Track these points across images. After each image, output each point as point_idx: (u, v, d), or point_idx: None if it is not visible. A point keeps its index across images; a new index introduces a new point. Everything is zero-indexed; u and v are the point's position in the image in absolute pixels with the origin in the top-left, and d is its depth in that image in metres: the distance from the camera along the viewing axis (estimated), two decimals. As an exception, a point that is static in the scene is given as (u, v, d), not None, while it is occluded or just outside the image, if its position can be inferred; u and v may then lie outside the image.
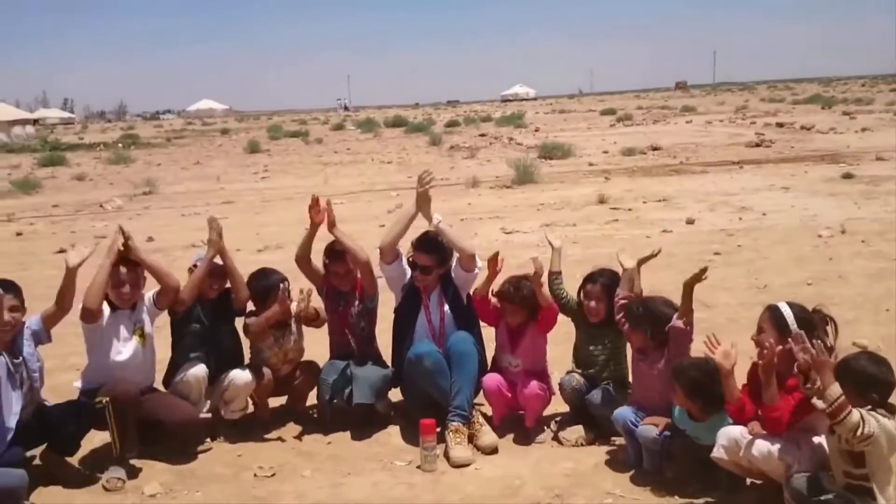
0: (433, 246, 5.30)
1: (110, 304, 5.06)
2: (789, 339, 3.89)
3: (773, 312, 4.16)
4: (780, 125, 34.40)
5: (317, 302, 5.59)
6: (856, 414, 3.51)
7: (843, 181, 16.81)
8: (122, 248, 5.02)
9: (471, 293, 5.41)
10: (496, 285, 5.35)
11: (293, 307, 5.39)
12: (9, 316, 4.55)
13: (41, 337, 4.88)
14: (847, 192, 15.28)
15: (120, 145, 42.25)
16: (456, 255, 5.40)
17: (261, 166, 27.73)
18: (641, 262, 5.19)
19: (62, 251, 12.68)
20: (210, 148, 40.92)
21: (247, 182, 23.00)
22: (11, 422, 4.55)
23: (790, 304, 4.22)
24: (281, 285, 5.33)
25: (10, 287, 4.67)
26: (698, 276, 4.66)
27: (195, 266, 5.38)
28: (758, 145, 25.76)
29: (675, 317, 4.71)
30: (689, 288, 4.69)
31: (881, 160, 20.08)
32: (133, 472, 4.80)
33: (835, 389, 3.54)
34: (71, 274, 4.78)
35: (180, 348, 5.36)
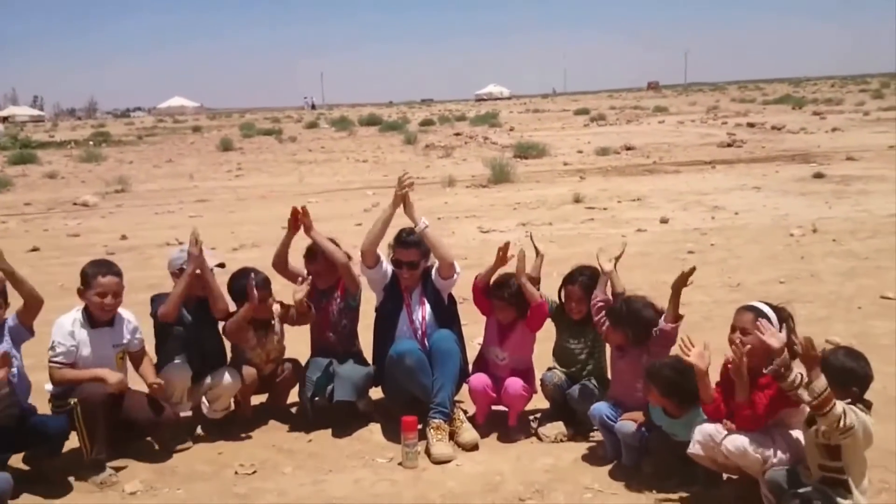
0: (415, 241, 5.32)
1: (90, 319, 4.93)
2: (759, 325, 3.93)
3: (756, 314, 4.16)
4: (751, 125, 34.78)
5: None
6: (839, 406, 3.58)
7: (814, 181, 17.06)
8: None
9: (474, 282, 5.42)
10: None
11: (298, 294, 5.38)
12: None
13: (21, 333, 4.78)
14: (818, 192, 15.50)
15: (91, 143, 41.70)
16: (435, 261, 5.42)
17: (234, 164, 27.57)
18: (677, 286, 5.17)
19: (35, 249, 12.61)
20: (182, 146, 40.58)
21: (220, 180, 22.87)
22: None
23: (764, 304, 4.29)
24: (251, 275, 5.30)
25: None
26: (686, 277, 4.71)
27: (179, 270, 5.30)
28: (729, 145, 26.05)
29: (662, 319, 4.76)
30: (677, 289, 4.75)
31: (851, 160, 20.38)
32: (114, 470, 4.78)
33: (821, 382, 3.60)
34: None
35: (164, 351, 5.31)
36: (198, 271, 5.20)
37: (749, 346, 4.05)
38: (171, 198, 19.12)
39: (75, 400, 4.65)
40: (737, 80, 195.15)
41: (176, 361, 5.20)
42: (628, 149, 26.24)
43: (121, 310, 5.05)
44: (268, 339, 5.48)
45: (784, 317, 4.20)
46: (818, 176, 17.47)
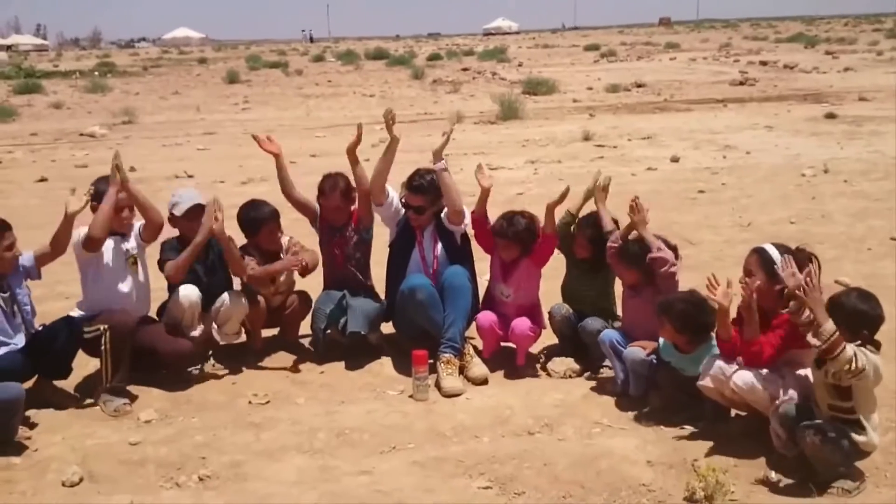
0: (424, 187, 5.31)
1: None
2: (779, 274, 3.94)
3: (761, 255, 4.21)
4: (763, 63, 34.33)
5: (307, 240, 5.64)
6: (849, 349, 3.59)
7: (826, 121, 16.88)
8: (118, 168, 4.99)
9: (468, 220, 5.41)
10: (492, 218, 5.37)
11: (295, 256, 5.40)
12: (9, 254, 4.60)
13: (31, 273, 4.91)
14: (830, 132, 15.36)
15: (96, 73, 41.34)
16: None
17: (241, 97, 27.36)
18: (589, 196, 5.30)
19: (43, 180, 12.60)
20: (188, 78, 40.24)
21: (227, 113, 22.73)
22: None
23: (775, 245, 4.29)
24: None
25: (5, 226, 4.66)
26: (562, 198, 5.03)
27: (171, 214, 5.32)
28: (741, 83, 25.76)
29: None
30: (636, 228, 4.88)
31: (864, 100, 20.15)
32: (129, 399, 4.86)
33: (829, 326, 3.61)
34: (69, 220, 4.78)
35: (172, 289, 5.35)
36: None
37: (749, 286, 4.10)
38: (178, 130, 19.02)
39: (105, 326, 4.72)
40: (749, 17, 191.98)
41: (184, 286, 5.21)
42: (639, 86, 25.94)
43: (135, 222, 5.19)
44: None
45: (803, 258, 4.20)
46: (830, 116, 17.29)
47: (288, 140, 16.06)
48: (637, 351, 4.76)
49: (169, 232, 5.36)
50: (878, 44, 46.74)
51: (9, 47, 63.97)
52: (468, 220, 5.39)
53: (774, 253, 4.18)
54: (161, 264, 5.24)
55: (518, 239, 5.23)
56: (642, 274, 4.87)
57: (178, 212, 5.26)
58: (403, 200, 5.45)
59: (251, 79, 36.79)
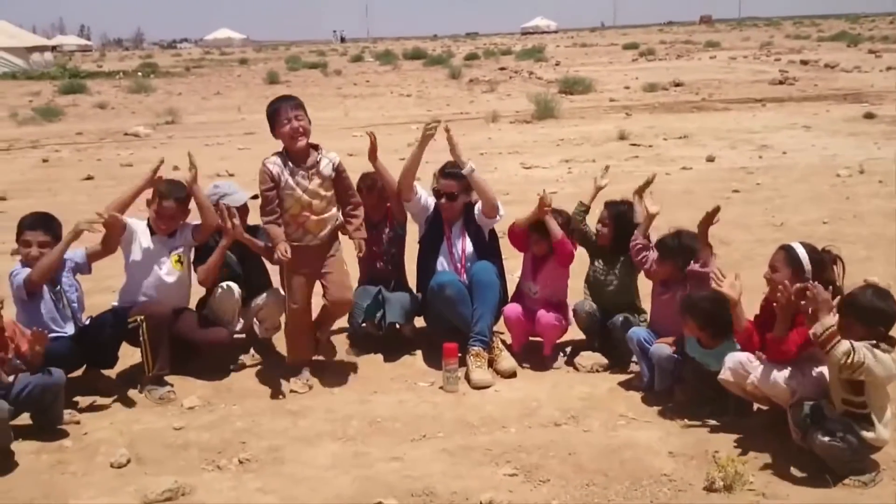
0: (456, 174, 5.47)
1: (150, 228, 5.30)
2: (808, 284, 4.02)
3: (788, 253, 4.32)
4: (804, 63, 33.95)
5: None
6: (845, 343, 3.70)
7: (865, 121, 16.75)
8: (157, 178, 5.24)
9: (511, 228, 5.55)
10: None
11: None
12: (37, 251, 4.83)
13: (82, 268, 5.19)
14: (868, 133, 15.25)
15: (140, 74, 42.14)
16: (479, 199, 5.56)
17: (281, 97, 27.71)
18: (639, 191, 5.38)
19: (90, 178, 12.99)
20: (229, 78, 40.81)
21: (267, 113, 23.06)
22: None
23: (803, 244, 4.39)
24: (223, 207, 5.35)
25: (41, 222, 4.93)
26: (711, 217, 4.87)
27: (216, 205, 5.48)
28: (781, 83, 25.54)
29: (692, 262, 4.91)
30: (703, 229, 4.91)
31: (904, 100, 19.91)
32: (172, 387, 5.11)
33: (827, 321, 3.75)
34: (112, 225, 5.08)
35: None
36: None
37: (775, 282, 4.22)
38: (219, 130, 19.38)
39: (142, 317, 4.96)
40: (792, 15, 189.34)
41: (225, 284, 5.44)
42: (677, 85, 25.84)
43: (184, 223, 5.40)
44: None
45: (825, 260, 4.30)
46: (869, 116, 17.14)
47: (326, 140, 16.32)
48: (663, 347, 4.88)
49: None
50: (923, 42, 45.98)
51: (54, 48, 65.10)
52: (502, 211, 5.53)
53: (802, 252, 4.29)
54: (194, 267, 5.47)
55: (547, 235, 5.36)
56: (677, 269, 4.98)
57: (233, 202, 5.44)
58: (436, 189, 5.58)
59: (291, 79, 37.22)
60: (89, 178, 13.05)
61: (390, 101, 25.54)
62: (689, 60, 40.81)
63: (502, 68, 38.95)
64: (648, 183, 5.37)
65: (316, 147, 5.03)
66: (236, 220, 5.30)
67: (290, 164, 4.93)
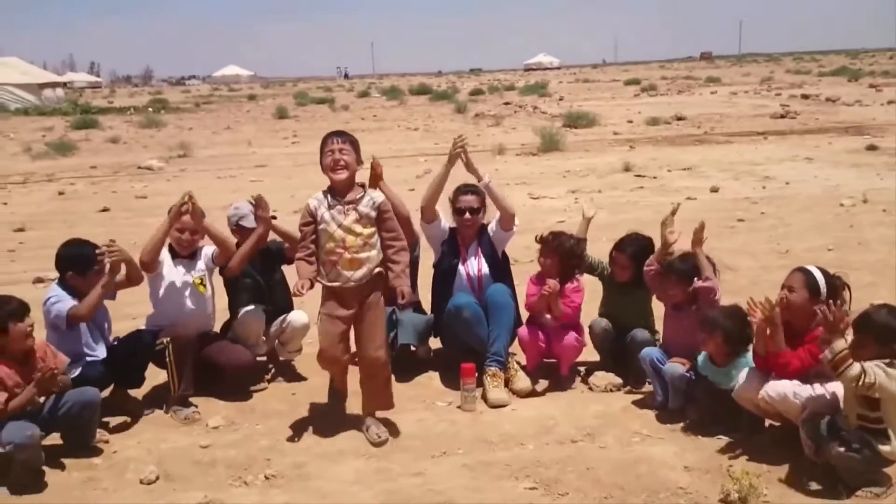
0: (475, 188, 5.68)
1: (172, 252, 5.46)
2: (825, 304, 4.11)
3: (805, 275, 4.46)
4: (805, 97, 34.27)
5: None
6: (856, 367, 3.84)
7: (867, 153, 16.95)
8: (186, 212, 5.38)
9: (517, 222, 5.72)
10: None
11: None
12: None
13: (109, 295, 5.27)
14: (870, 164, 15.44)
15: (150, 109, 42.59)
16: (497, 213, 5.74)
17: (290, 132, 28.06)
18: (665, 222, 5.42)
19: (106, 210, 13.20)
20: (238, 113, 41.25)
21: (277, 147, 23.35)
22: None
23: (817, 268, 4.54)
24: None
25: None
26: (699, 234, 5.15)
27: (237, 226, 5.73)
28: (783, 116, 25.79)
29: (695, 279, 5.08)
30: (695, 248, 5.16)
31: (906, 133, 20.14)
32: (197, 408, 5.25)
33: (839, 345, 3.89)
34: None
35: (235, 302, 5.74)
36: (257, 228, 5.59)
37: (792, 302, 4.37)
38: (231, 163, 19.65)
39: (168, 339, 5.12)
40: (792, 51, 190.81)
41: (250, 307, 5.60)
42: (679, 119, 26.11)
43: (205, 245, 5.54)
44: None
45: (839, 285, 4.46)
46: (871, 148, 17.35)
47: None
48: (676, 367, 5.02)
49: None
50: (923, 76, 46.40)
51: (64, 84, 65.83)
52: (517, 222, 5.71)
53: (818, 275, 4.45)
54: (221, 272, 5.65)
55: (558, 252, 5.53)
56: (687, 291, 5.13)
57: (247, 223, 5.64)
58: (456, 206, 5.73)
59: (299, 114, 37.62)
60: (105, 209, 13.27)
61: (398, 135, 25.83)
62: (690, 95, 41.18)
63: (507, 103, 39.35)
64: (674, 213, 5.46)
65: (363, 185, 4.85)
66: (268, 211, 5.48)
67: (329, 198, 4.73)
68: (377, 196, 4.78)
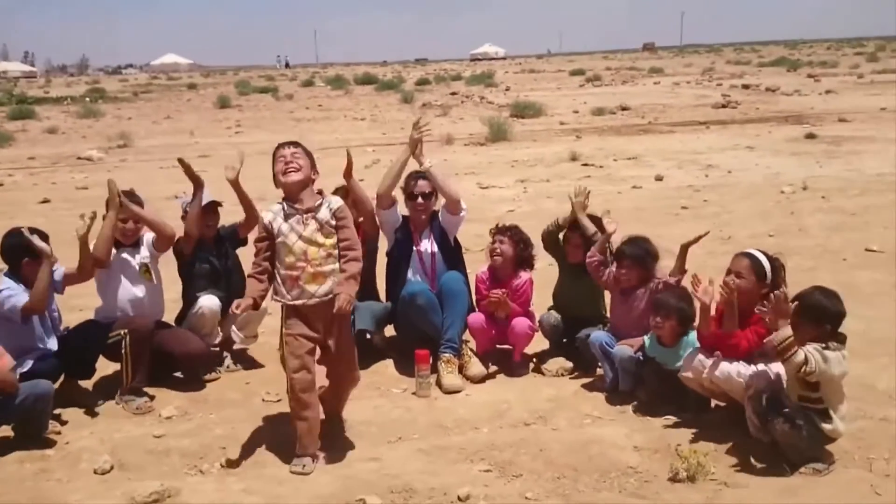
0: (426, 175, 5.74)
1: (116, 242, 5.37)
2: (771, 294, 4.23)
3: (752, 262, 4.60)
4: (745, 87, 35.00)
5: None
6: (800, 354, 3.98)
7: (806, 141, 17.42)
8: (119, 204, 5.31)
9: (464, 209, 5.82)
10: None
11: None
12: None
13: (57, 287, 5.20)
14: (810, 152, 15.87)
15: (87, 99, 41.67)
16: (442, 199, 5.79)
17: (233, 121, 27.74)
18: (686, 245, 5.28)
19: (46, 201, 12.92)
20: (179, 103, 40.61)
21: (221, 137, 23.07)
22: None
23: (760, 252, 4.69)
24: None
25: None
26: (698, 239, 5.22)
27: (184, 211, 5.72)
28: (724, 106, 26.32)
29: (669, 273, 5.23)
30: (684, 249, 5.23)
31: (843, 121, 20.76)
32: (149, 398, 5.20)
33: (785, 332, 4.03)
34: (83, 241, 5.07)
35: (192, 289, 5.70)
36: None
37: (741, 287, 4.51)
38: (173, 153, 19.17)
39: (125, 331, 5.06)
40: (733, 42, 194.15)
41: (205, 295, 5.57)
42: (624, 109, 26.49)
43: (146, 233, 5.50)
44: None
45: (776, 266, 4.62)
46: (810, 136, 17.83)
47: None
48: (625, 349, 5.13)
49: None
50: (858, 67, 47.69)
51: (-2, 74, 64.06)
52: (464, 205, 5.81)
53: (764, 259, 4.61)
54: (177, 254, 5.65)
55: (514, 239, 5.67)
56: (644, 273, 5.24)
57: (191, 208, 5.61)
58: (411, 192, 5.79)
59: (242, 104, 37.17)
60: (46, 201, 12.99)
61: (344, 125, 25.72)
62: (634, 86, 41.73)
63: (454, 93, 39.39)
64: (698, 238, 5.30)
65: (321, 192, 4.49)
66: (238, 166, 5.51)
67: (285, 206, 4.35)
68: (334, 202, 4.37)
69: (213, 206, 5.68)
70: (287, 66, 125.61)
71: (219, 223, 5.82)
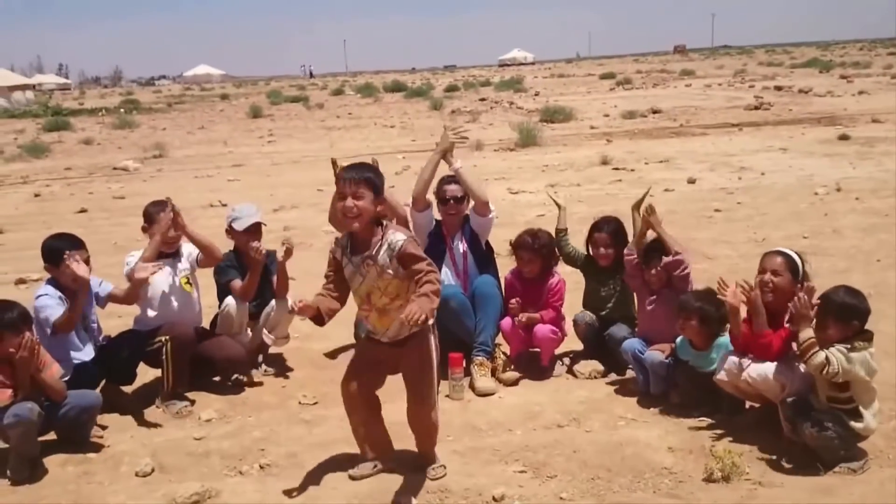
0: (457, 180, 5.81)
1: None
2: (800, 289, 4.29)
3: (787, 259, 4.61)
4: (778, 88, 34.70)
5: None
6: (820, 355, 4.02)
7: (840, 142, 17.25)
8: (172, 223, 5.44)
9: (494, 211, 5.86)
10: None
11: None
12: (84, 268, 4.95)
13: (100, 302, 5.30)
14: (843, 153, 15.71)
15: (122, 110, 42.30)
16: (471, 201, 5.84)
17: (265, 131, 28.01)
18: (636, 206, 5.51)
19: (83, 210, 13.16)
20: (212, 113, 41.07)
21: (254, 146, 23.33)
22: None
23: (790, 250, 4.72)
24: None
25: (79, 243, 5.11)
26: (641, 203, 5.34)
27: (229, 227, 5.78)
28: (756, 108, 26.12)
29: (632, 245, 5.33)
30: (645, 226, 5.32)
31: (877, 122, 20.53)
32: (189, 402, 5.32)
33: (806, 333, 4.08)
34: (138, 284, 5.14)
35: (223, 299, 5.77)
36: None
37: (777, 285, 4.53)
38: (207, 162, 19.62)
39: (166, 337, 5.17)
40: (765, 43, 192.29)
41: (230, 299, 5.69)
42: (655, 112, 26.38)
43: (185, 242, 5.62)
44: None
45: (803, 260, 4.64)
46: (843, 138, 17.65)
47: (314, 171, 16.64)
48: (656, 354, 5.14)
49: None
50: (892, 67, 47.06)
51: (34, 87, 65.18)
52: (493, 207, 5.85)
53: (796, 257, 4.64)
54: (226, 285, 5.69)
55: (539, 253, 5.67)
56: (665, 276, 5.25)
57: (238, 227, 5.70)
58: (441, 197, 5.84)
59: (273, 113, 37.52)
60: (83, 210, 13.23)
61: (374, 132, 25.87)
62: (665, 89, 41.53)
63: (483, 99, 39.47)
64: (645, 196, 5.57)
65: (381, 225, 3.99)
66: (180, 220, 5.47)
67: (349, 245, 4.05)
68: (395, 240, 3.90)
69: (257, 227, 5.74)
70: (311, 75, 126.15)
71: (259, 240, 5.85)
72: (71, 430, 4.71)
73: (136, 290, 5.22)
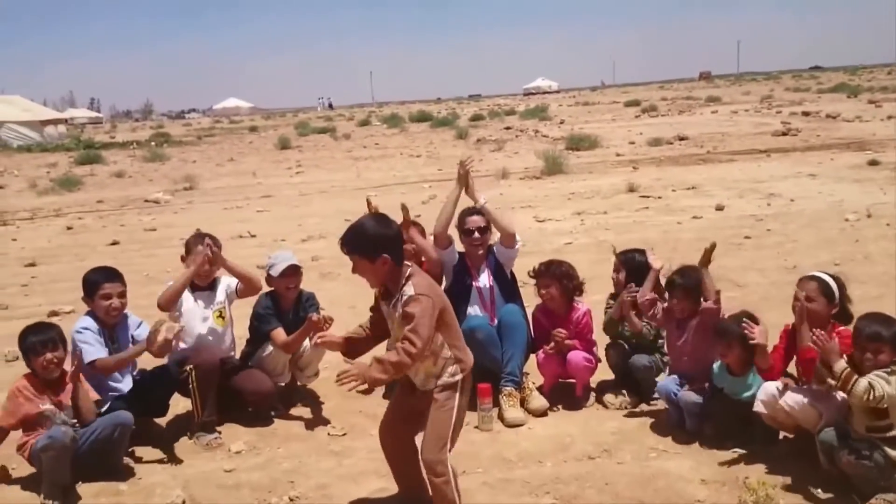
0: (479, 210, 5.82)
1: (191, 284, 5.58)
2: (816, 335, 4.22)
3: (820, 284, 4.64)
4: (805, 114, 34.46)
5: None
6: (863, 382, 3.96)
7: (869, 168, 17.07)
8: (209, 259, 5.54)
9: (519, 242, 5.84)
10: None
11: None
12: (118, 302, 5.10)
13: (135, 338, 5.33)
14: (873, 179, 15.55)
15: (153, 143, 42.91)
16: (497, 233, 5.85)
17: (294, 162, 28.25)
18: (704, 262, 5.22)
19: (115, 243, 13.32)
20: (241, 145, 41.53)
21: (282, 177, 23.53)
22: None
23: (825, 273, 4.73)
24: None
25: (116, 275, 5.20)
26: (709, 254, 5.15)
27: (267, 274, 5.79)
28: (784, 134, 25.94)
29: (702, 300, 5.14)
30: (701, 268, 5.18)
31: (907, 147, 20.29)
32: (219, 434, 5.33)
33: (840, 365, 4.04)
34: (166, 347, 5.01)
35: (262, 335, 5.75)
36: None
37: (813, 312, 4.53)
38: (237, 194, 19.81)
39: (191, 366, 5.20)
40: (791, 68, 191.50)
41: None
42: (681, 139, 26.28)
43: (223, 275, 5.70)
44: None
45: (840, 285, 4.61)
46: (873, 163, 17.47)
47: (341, 200, 16.75)
48: (690, 394, 5.07)
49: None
50: (921, 91, 46.66)
51: (66, 121, 66.31)
52: (519, 239, 5.85)
53: (831, 281, 4.66)
54: (266, 335, 5.67)
55: (559, 279, 5.64)
56: (694, 304, 5.19)
57: (274, 273, 5.73)
58: (464, 228, 5.86)
59: (301, 144, 37.85)
60: (115, 243, 13.39)
61: (400, 162, 26.00)
62: (691, 115, 41.40)
63: (508, 128, 39.58)
64: (712, 251, 5.23)
65: (405, 275, 3.91)
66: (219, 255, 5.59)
67: (383, 290, 4.07)
68: (405, 294, 3.83)
69: (294, 270, 5.77)
70: (330, 107, 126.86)
71: (300, 285, 5.88)
72: (103, 454, 4.74)
73: (158, 308, 5.35)
